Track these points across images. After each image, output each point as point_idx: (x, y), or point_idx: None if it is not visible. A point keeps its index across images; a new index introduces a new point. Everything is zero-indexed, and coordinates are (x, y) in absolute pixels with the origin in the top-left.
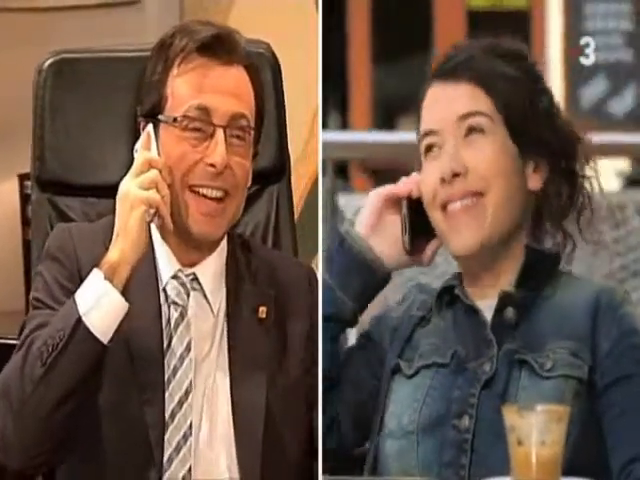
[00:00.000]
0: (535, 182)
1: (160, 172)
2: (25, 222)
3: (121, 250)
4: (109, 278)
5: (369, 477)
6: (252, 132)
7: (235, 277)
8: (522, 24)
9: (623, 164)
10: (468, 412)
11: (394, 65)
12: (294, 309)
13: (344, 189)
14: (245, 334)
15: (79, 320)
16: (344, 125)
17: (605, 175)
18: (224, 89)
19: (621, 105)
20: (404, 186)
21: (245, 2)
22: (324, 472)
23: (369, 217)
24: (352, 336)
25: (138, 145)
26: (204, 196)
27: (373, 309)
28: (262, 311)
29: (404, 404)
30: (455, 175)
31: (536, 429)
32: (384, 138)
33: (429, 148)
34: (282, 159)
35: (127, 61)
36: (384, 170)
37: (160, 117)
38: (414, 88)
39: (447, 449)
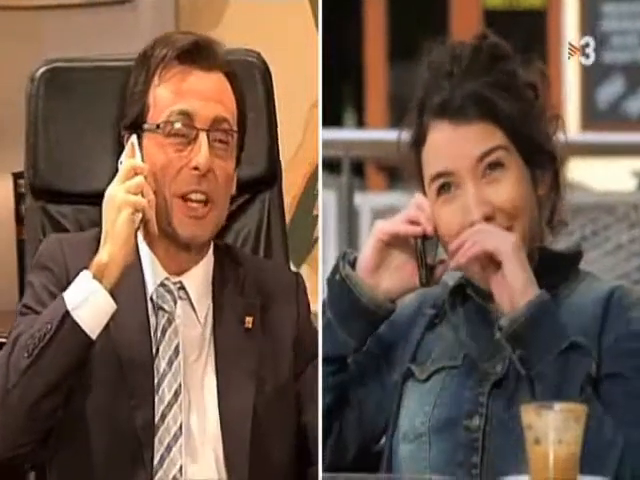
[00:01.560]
0: (543, 188)
1: (145, 178)
2: (19, 221)
3: (110, 252)
4: (98, 278)
5: (368, 474)
6: (235, 135)
7: (222, 287)
8: (538, 24)
9: (639, 164)
10: (479, 412)
11: (410, 63)
12: (281, 316)
13: (360, 188)
14: (232, 343)
15: (67, 313)
16: (360, 123)
17: (621, 175)
18: (205, 94)
19: (637, 105)
20: (414, 226)
21: (239, 2)
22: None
23: (374, 255)
24: None
25: (123, 157)
26: (189, 200)
27: None
28: (248, 321)
29: (417, 407)
30: (486, 219)
31: (553, 428)
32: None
33: (442, 187)
34: (273, 167)
35: (120, 70)
36: (400, 168)
37: (143, 126)
38: None
39: (459, 449)
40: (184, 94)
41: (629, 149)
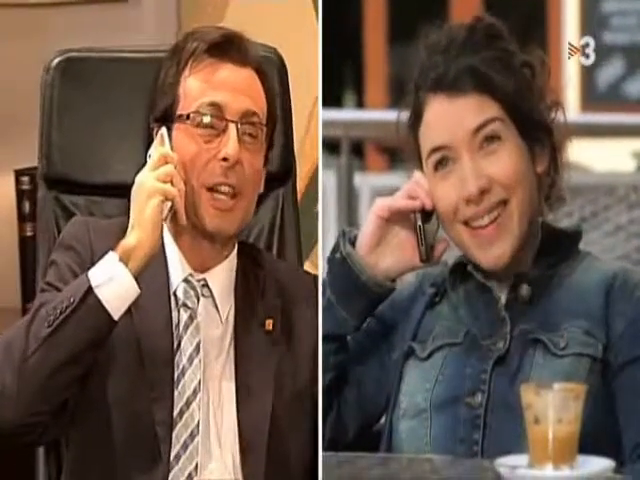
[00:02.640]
0: (542, 165)
1: (175, 167)
2: (21, 218)
3: (137, 237)
4: (124, 261)
5: (367, 453)
6: (264, 130)
7: (244, 289)
8: (538, 5)
9: (639, 145)
10: (481, 389)
11: (410, 45)
12: (301, 319)
13: (360, 168)
14: (252, 346)
15: (90, 289)
16: (360, 104)
17: (621, 156)
18: (235, 87)
19: (637, 86)
20: (413, 201)
21: None
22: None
23: (374, 233)
24: None
25: (152, 149)
26: (217, 192)
27: None
28: (269, 324)
29: (417, 384)
30: (482, 192)
31: (553, 407)
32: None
33: (439, 163)
34: (288, 163)
35: (133, 61)
36: (399, 149)
37: (173, 117)
38: None
39: (460, 426)
40: (215, 86)
41: (629, 130)
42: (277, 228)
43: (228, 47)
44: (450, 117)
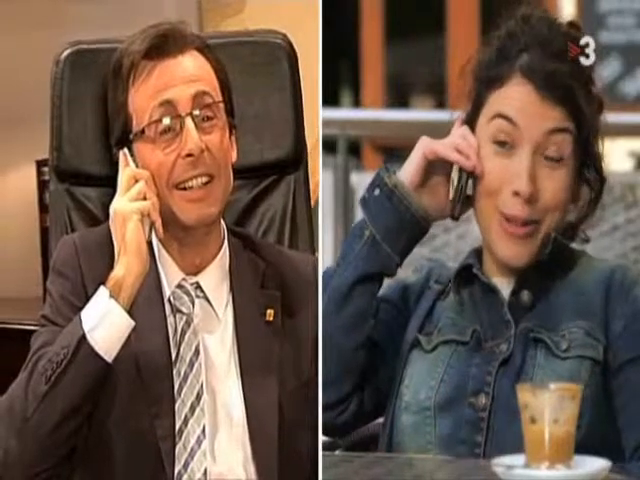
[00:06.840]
0: (579, 204)
1: (146, 182)
2: (42, 208)
3: (125, 265)
4: (114, 295)
5: (366, 453)
6: (221, 105)
7: (240, 279)
8: (535, 4)
9: (636, 144)
10: (485, 390)
11: (407, 43)
12: (302, 307)
13: (356, 167)
14: (253, 337)
15: (83, 337)
16: (357, 103)
17: (618, 155)
18: (178, 78)
19: (634, 85)
20: (466, 159)
21: None
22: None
23: (418, 171)
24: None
25: (119, 175)
26: (191, 188)
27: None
28: (269, 314)
29: (421, 379)
30: (531, 196)
31: (549, 407)
32: (397, 116)
33: (500, 143)
34: (299, 149)
35: None
36: (396, 147)
37: (130, 136)
38: (427, 66)
39: (463, 426)
40: (160, 88)
41: (626, 130)
42: (289, 214)
43: (163, 43)
44: (532, 106)
